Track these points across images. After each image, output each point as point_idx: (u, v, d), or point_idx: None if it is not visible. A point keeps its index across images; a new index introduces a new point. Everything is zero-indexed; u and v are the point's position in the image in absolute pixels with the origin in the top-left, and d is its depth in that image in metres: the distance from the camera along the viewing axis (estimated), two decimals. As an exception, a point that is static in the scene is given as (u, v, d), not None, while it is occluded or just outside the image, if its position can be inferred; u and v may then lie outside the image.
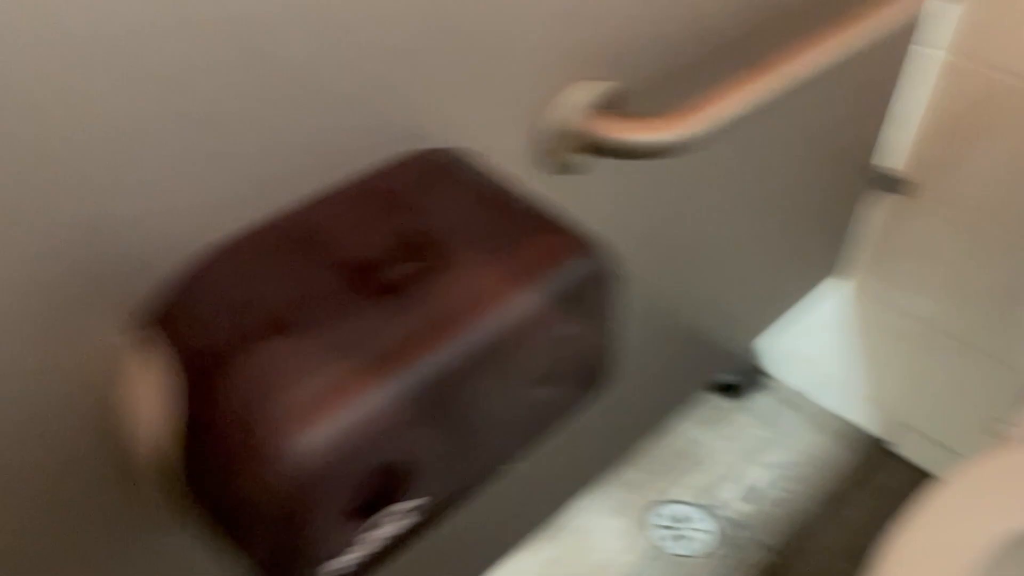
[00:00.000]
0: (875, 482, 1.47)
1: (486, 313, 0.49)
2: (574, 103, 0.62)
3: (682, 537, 1.38)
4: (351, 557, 0.46)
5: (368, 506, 0.46)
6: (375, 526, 0.46)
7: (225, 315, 0.46)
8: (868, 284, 1.38)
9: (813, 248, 1.30)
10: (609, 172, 0.77)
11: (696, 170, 0.94)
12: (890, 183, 1.24)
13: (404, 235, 0.49)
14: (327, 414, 0.43)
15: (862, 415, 1.54)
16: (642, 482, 1.46)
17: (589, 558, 1.35)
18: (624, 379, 1.11)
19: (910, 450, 1.49)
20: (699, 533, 1.39)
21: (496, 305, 0.49)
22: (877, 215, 1.31)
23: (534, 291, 0.51)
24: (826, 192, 1.22)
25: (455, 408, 0.48)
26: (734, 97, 0.62)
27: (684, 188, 0.94)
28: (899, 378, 1.43)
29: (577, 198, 0.75)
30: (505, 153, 0.62)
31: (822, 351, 1.53)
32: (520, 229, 0.54)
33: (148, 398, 0.47)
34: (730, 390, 1.62)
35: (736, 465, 1.49)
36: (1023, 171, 1.11)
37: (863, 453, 1.51)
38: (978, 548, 0.89)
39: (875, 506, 1.44)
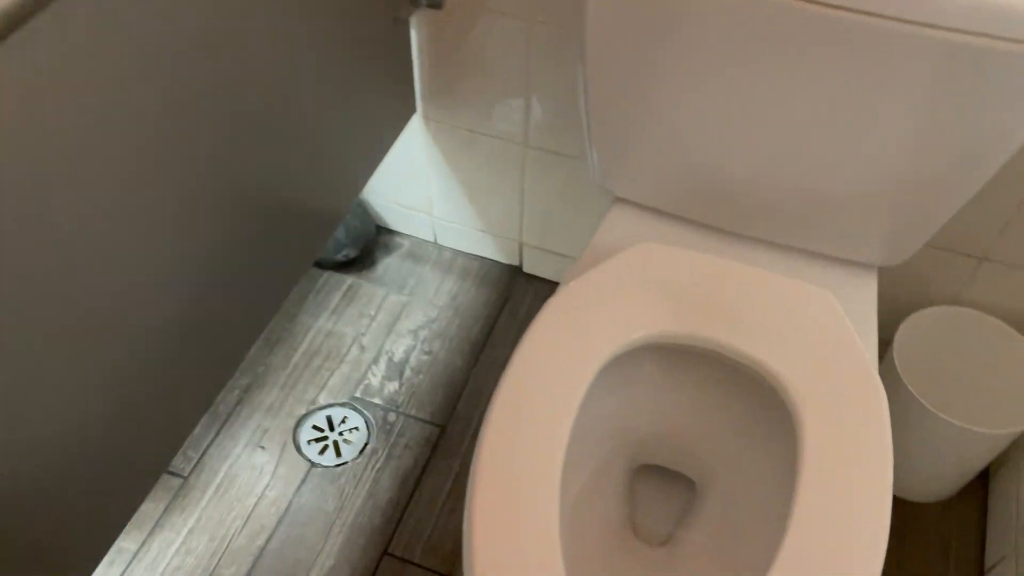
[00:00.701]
0: (515, 309, 1.42)
1: None
2: None
3: (334, 444, 1.25)
4: None
5: None
6: None
7: None
8: (442, 113, 1.25)
9: (384, 89, 1.13)
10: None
11: (205, 44, 0.73)
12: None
13: None
14: None
15: (485, 247, 1.46)
16: (282, 401, 1.29)
17: (238, 508, 1.18)
18: (220, 281, 0.91)
19: (540, 268, 1.45)
20: (351, 433, 1.26)
21: None
22: (426, 36, 1.15)
23: None
24: (374, 26, 1.04)
25: None
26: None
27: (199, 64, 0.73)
28: (505, 200, 1.35)
29: None
30: None
31: (427, 194, 1.41)
32: None
33: None
34: (353, 264, 1.46)
35: (376, 344, 1.36)
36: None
37: (498, 284, 1.45)
38: (583, 365, 0.82)
39: (520, 334, 1.39)
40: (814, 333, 0.82)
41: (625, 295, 0.86)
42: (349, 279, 1.44)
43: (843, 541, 0.72)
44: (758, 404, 0.88)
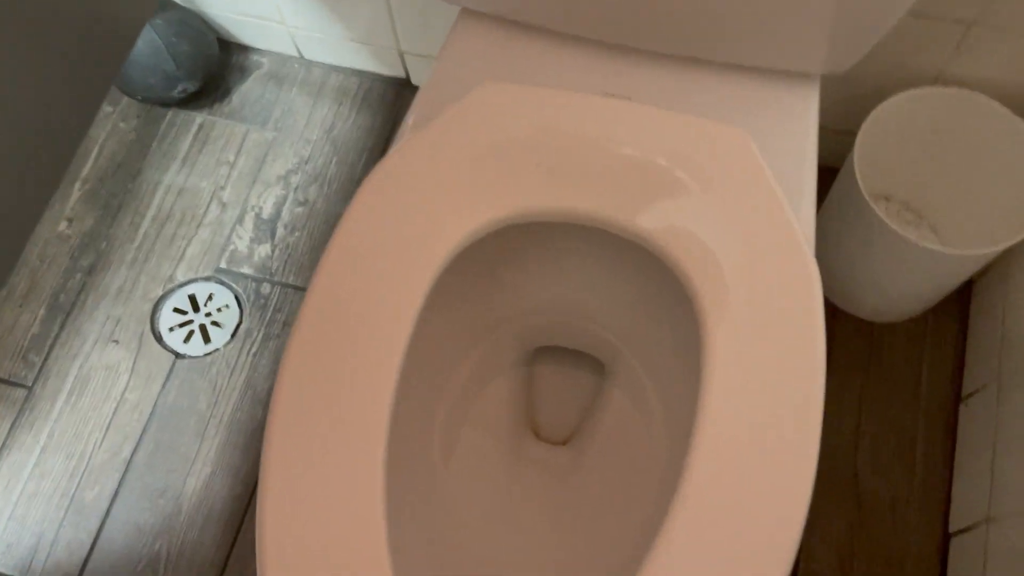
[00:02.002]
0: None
1: None
2: None
3: (201, 329, 1.06)
4: None
5: None
6: None
7: None
8: None
9: None
10: None
11: None
12: None
13: None
14: None
15: (361, 58, 1.18)
16: (134, 282, 1.08)
17: (95, 417, 1.01)
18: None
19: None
20: (220, 314, 1.07)
21: None
22: None
23: None
24: None
25: None
26: None
27: None
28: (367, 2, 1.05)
29: None
30: None
31: (272, 1, 1.10)
32: None
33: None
34: (201, 96, 1.19)
35: (239, 198, 1.13)
36: None
37: (382, 104, 1.18)
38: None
39: (415, 165, 1.15)
40: (723, 191, 0.59)
41: (470, 160, 0.62)
42: (199, 117, 1.18)
43: (759, 464, 0.55)
44: (661, 278, 0.66)
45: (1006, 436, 0.89)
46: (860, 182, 0.87)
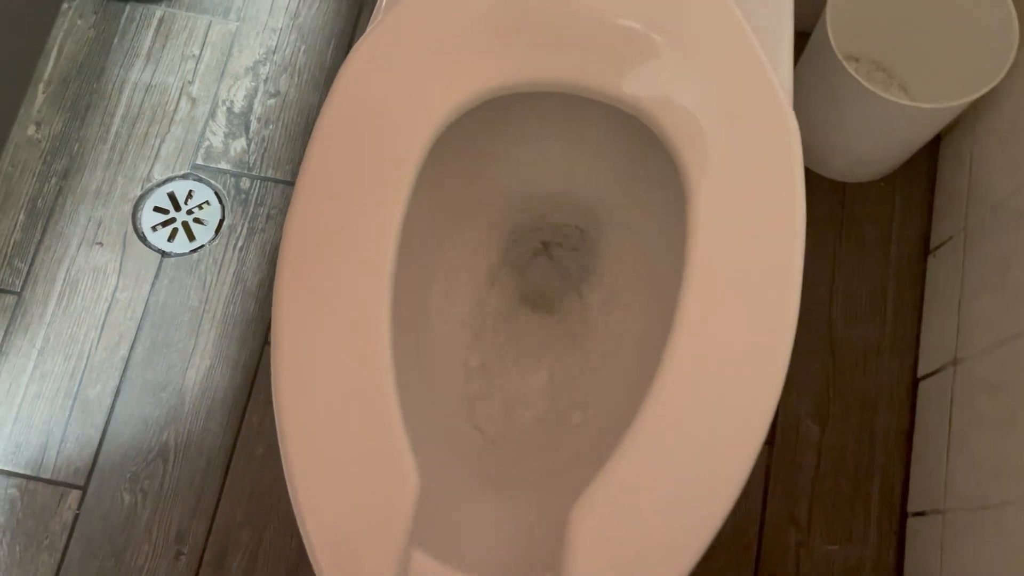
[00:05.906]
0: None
1: None
2: None
3: (184, 227, 1.06)
4: None
5: None
6: None
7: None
8: None
9: None
10: None
11: None
12: None
13: None
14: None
15: (322, -61, 1.14)
16: (111, 183, 1.08)
17: (88, 318, 1.03)
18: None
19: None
20: (201, 211, 1.07)
21: None
22: None
23: None
24: None
25: None
26: None
27: None
28: None
29: None
30: None
31: None
32: None
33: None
34: (157, -10, 1.15)
35: (208, 92, 1.11)
36: None
37: (347, -12, 1.16)
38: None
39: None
40: (702, 50, 0.60)
41: (452, 34, 0.62)
42: (158, 10, 1.15)
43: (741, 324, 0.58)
44: (646, 141, 0.68)
45: (972, 282, 0.93)
46: (832, 40, 0.87)
